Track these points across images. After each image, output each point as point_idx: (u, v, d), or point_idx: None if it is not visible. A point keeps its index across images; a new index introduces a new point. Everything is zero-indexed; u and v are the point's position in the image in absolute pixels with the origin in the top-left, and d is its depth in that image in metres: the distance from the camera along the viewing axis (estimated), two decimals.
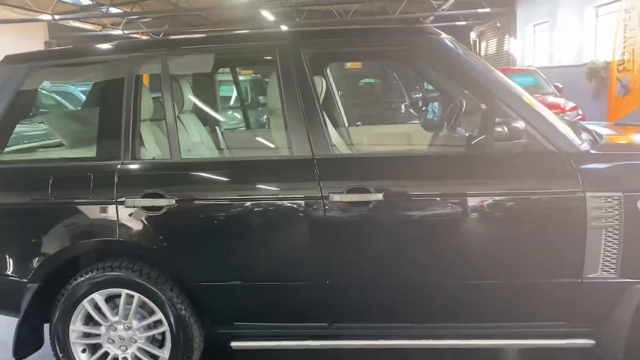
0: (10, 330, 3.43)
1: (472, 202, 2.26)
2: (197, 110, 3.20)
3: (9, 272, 2.54)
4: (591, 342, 2.36)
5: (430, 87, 13.98)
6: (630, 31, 7.91)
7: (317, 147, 2.38)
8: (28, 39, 17.09)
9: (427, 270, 2.34)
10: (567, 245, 2.25)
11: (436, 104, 7.61)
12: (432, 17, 18.61)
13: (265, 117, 6.46)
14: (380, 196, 2.29)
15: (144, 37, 18.09)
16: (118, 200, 2.41)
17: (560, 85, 10.19)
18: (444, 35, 2.48)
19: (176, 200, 2.38)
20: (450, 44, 2.46)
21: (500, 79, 2.44)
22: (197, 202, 2.40)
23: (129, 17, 18.39)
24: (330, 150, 2.39)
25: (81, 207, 2.45)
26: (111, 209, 2.43)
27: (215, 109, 3.46)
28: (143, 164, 2.52)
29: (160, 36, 22.69)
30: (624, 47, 8.06)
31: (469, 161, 2.34)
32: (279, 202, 2.37)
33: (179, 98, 2.92)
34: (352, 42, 2.57)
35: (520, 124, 2.19)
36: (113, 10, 16.74)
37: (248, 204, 2.38)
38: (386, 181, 2.32)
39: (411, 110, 8.96)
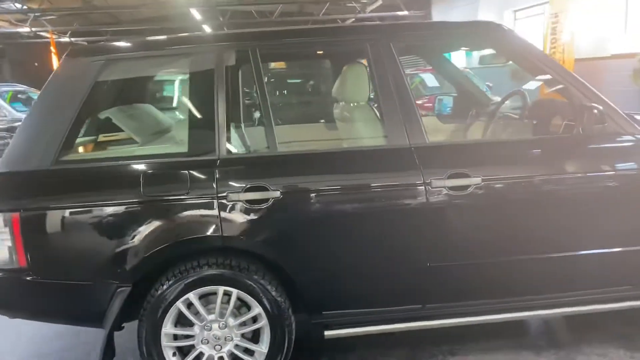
0: (40, 340, 3.20)
1: (573, 181, 2.49)
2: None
3: (99, 277, 2.38)
4: None
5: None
6: (558, 33, 8.72)
7: (413, 136, 2.48)
8: None
9: (524, 247, 2.51)
10: None
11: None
12: (352, 19, 19.15)
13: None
14: (478, 180, 2.44)
15: (54, 37, 16.94)
16: (219, 195, 2.36)
17: (491, 84, 10.96)
18: (510, 28, 2.71)
19: (281, 192, 2.38)
20: (519, 35, 2.68)
21: (566, 69, 2.68)
22: (301, 193, 2.41)
23: (35, 15, 17.09)
24: (425, 138, 2.50)
25: (178, 204, 2.36)
26: (212, 204, 2.37)
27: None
28: (242, 158, 2.48)
29: (68, 35, 21.36)
30: (554, 48, 8.87)
31: (573, 144, 2.54)
32: (381, 190, 2.45)
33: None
34: (436, 36, 2.71)
35: (601, 108, 2.44)
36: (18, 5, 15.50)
37: (351, 193, 2.44)
38: (485, 166, 2.47)
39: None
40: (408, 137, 2.48)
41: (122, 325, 2.62)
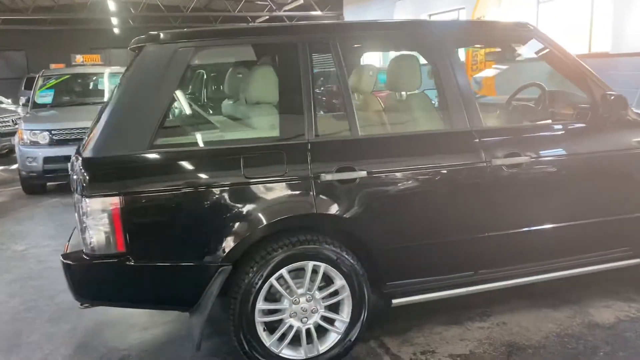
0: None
1: (609, 158, 2.99)
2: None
3: (201, 258, 2.45)
4: None
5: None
6: None
7: (472, 121, 2.81)
8: None
9: (568, 215, 2.96)
10: None
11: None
12: (267, 17, 19.30)
13: None
14: (527, 158, 2.83)
15: None
16: (313, 175, 2.53)
17: None
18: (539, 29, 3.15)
19: (367, 172, 2.60)
20: (546, 34, 3.12)
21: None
22: (384, 172, 2.65)
23: None
24: (482, 122, 2.84)
25: (277, 185, 2.50)
26: (307, 184, 2.53)
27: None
28: (330, 141, 2.66)
29: None
30: (477, 51, 9.75)
31: (603, 128, 3.00)
32: (450, 169, 2.75)
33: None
34: (476, 32, 3.08)
35: (623, 96, 2.93)
36: None
37: (428, 172, 2.72)
38: (534, 146, 2.88)
39: None
40: (468, 122, 2.80)
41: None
